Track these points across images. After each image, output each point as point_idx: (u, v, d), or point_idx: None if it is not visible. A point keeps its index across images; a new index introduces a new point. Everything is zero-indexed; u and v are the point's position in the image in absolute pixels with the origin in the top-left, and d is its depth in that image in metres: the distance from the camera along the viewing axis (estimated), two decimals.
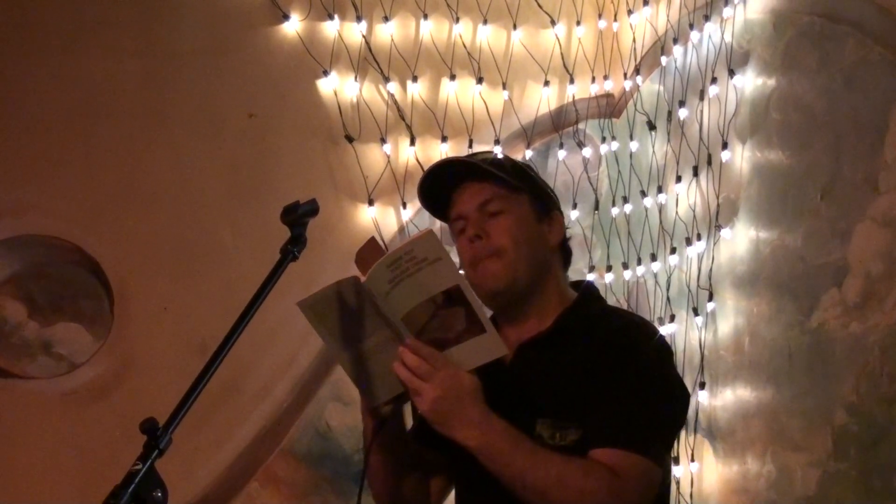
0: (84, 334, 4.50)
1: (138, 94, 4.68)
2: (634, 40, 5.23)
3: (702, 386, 4.65)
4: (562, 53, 5.28)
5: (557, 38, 5.27)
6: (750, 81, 4.59)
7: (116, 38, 4.69)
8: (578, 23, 5.31)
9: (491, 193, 2.82)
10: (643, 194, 5.11)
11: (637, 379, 2.69)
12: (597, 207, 5.22)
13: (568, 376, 2.61)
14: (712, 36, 4.78)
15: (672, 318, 4.86)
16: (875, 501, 3.77)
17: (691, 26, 4.88)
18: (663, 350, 2.83)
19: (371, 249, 2.66)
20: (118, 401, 4.42)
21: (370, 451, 2.68)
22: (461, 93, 5.11)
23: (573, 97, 5.27)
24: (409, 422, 2.86)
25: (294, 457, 4.60)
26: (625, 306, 4.89)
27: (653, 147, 5.11)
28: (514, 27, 5.24)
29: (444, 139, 4.97)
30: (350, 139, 4.88)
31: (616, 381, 2.66)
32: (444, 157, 4.72)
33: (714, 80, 4.73)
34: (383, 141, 4.93)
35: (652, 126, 5.12)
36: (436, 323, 2.51)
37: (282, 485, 4.58)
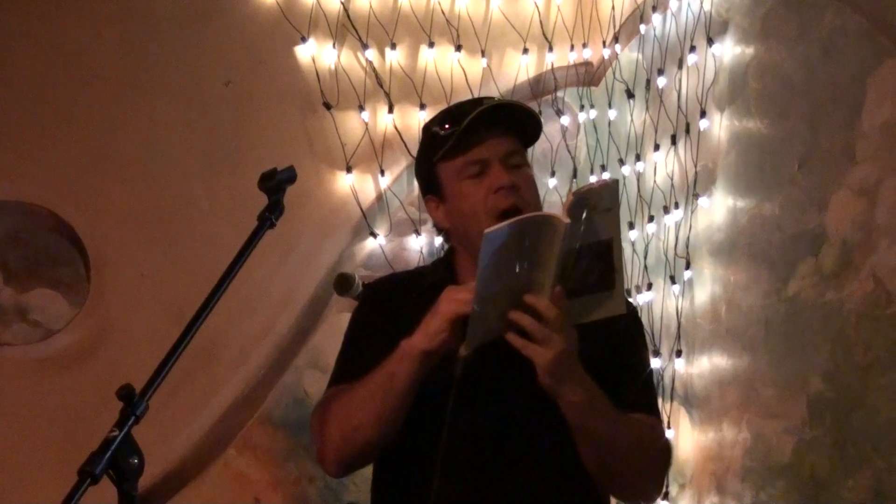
0: (60, 301, 4.49)
1: (115, 61, 4.66)
2: (613, 8, 5.22)
3: (678, 354, 4.67)
4: (541, 21, 5.26)
5: (536, 6, 5.25)
6: (728, 50, 4.59)
7: (93, 4, 4.66)
8: None
9: (514, 145, 2.81)
10: (621, 163, 5.11)
11: (644, 348, 2.97)
12: (575, 175, 5.21)
13: (582, 342, 2.58)
14: (691, 4, 4.78)
15: (649, 287, 4.87)
16: (849, 468, 3.79)
17: None
18: None
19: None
20: (95, 367, 4.41)
21: (449, 394, 2.56)
22: (440, 60, 5.09)
23: (552, 65, 5.26)
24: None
25: (271, 424, 4.60)
26: None
27: (631, 115, 5.12)
28: None
29: (422, 107, 4.95)
30: (328, 106, 4.86)
31: (632, 351, 2.85)
32: (422, 124, 4.71)
33: (693, 49, 4.73)
34: (361, 108, 4.92)
35: (630, 94, 5.12)
36: (574, 272, 2.48)
37: (259, 451, 4.58)
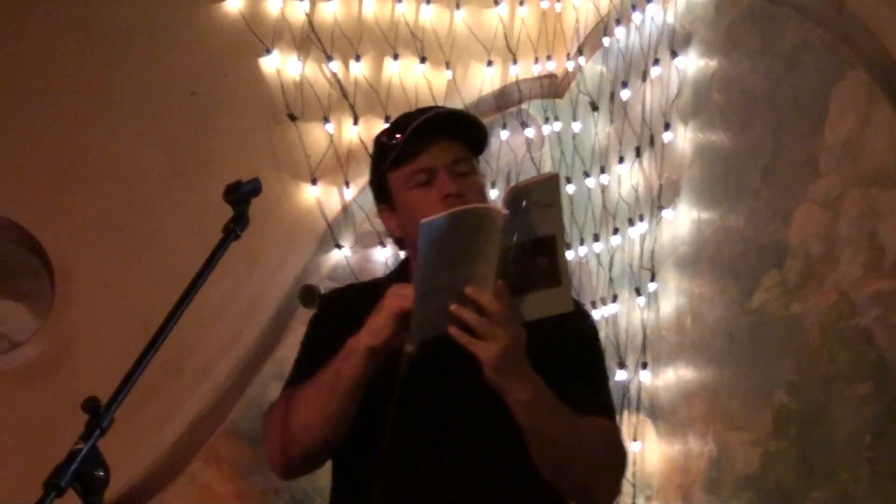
0: (24, 313, 4.47)
1: (79, 71, 4.65)
2: (577, 21, 5.23)
3: (644, 366, 4.67)
4: (505, 34, 5.27)
5: (500, 19, 5.27)
6: (692, 63, 4.61)
7: (56, 14, 4.65)
8: (522, 2, 5.30)
9: (462, 152, 2.80)
10: (586, 175, 5.12)
11: (599, 353, 2.92)
12: None
13: (534, 345, 2.56)
14: (654, 17, 4.80)
15: (614, 299, 4.88)
16: (814, 479, 3.81)
17: (634, 7, 4.89)
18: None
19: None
20: (59, 380, 4.39)
21: (388, 393, 2.52)
22: (404, 72, 5.10)
23: (516, 77, 5.27)
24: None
25: (237, 436, 4.59)
26: None
27: (595, 128, 5.13)
28: (458, 6, 5.22)
29: (387, 119, 4.94)
30: (293, 118, 4.86)
31: (588, 355, 2.84)
32: None
33: (656, 62, 4.75)
34: (326, 120, 4.92)
35: (595, 107, 5.13)
36: (515, 269, 2.46)
37: (224, 464, 4.57)
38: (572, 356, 2.77)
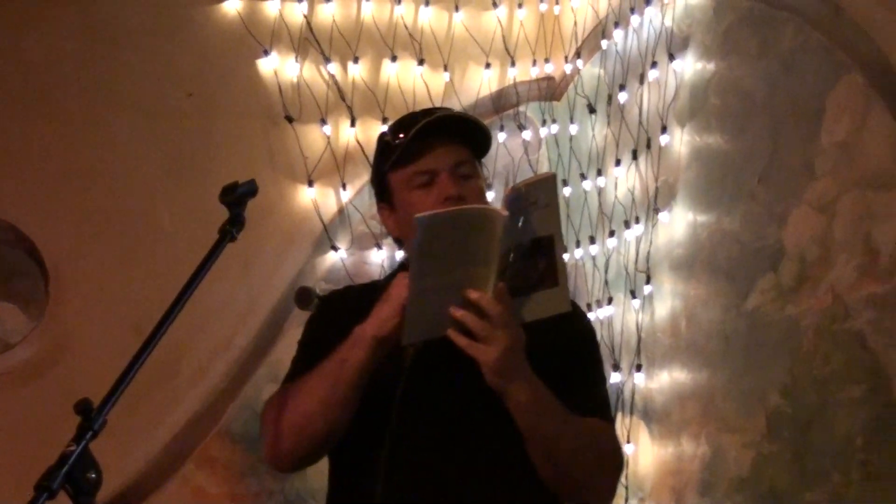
0: (18, 314, 4.46)
1: (76, 73, 4.64)
2: (576, 23, 5.24)
3: (638, 368, 4.68)
4: (503, 36, 5.28)
5: (499, 21, 5.27)
6: (689, 66, 4.61)
7: (54, 16, 4.65)
8: (520, 5, 5.31)
9: (465, 155, 2.80)
10: (583, 177, 5.12)
11: (596, 354, 2.94)
12: None
13: (532, 346, 2.56)
14: (653, 20, 4.80)
15: (610, 301, 4.89)
16: (807, 482, 3.81)
17: (632, 10, 4.89)
18: None
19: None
20: (53, 381, 4.39)
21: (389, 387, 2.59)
22: (402, 74, 5.10)
23: (514, 80, 5.27)
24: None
25: (230, 438, 4.59)
26: None
27: (593, 130, 5.13)
28: (456, 9, 5.23)
29: (384, 120, 4.95)
30: (290, 119, 4.86)
31: (585, 357, 2.85)
32: None
33: (654, 65, 4.75)
34: (323, 122, 4.92)
35: (592, 109, 5.13)
36: (513, 270, 2.46)
37: (218, 466, 4.56)
38: (570, 357, 2.77)
